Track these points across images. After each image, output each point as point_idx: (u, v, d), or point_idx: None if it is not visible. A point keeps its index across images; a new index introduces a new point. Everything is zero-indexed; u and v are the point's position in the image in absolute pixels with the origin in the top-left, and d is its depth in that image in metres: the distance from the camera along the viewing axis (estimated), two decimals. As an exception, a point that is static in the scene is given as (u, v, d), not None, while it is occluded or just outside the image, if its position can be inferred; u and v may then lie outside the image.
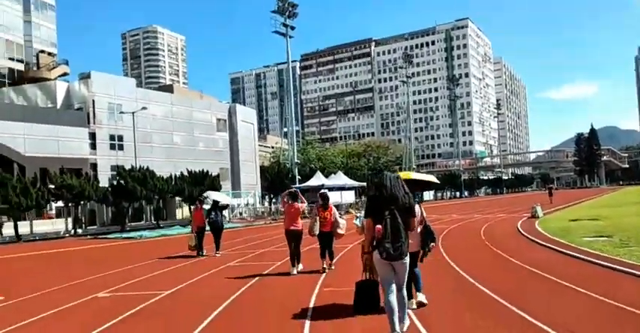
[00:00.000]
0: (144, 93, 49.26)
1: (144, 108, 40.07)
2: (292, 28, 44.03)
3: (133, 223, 30.77)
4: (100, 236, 23.64)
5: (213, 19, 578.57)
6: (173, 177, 31.09)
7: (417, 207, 5.62)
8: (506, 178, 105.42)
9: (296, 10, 46.13)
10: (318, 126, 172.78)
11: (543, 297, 6.76)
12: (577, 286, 7.27)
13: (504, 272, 9.15)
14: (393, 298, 4.78)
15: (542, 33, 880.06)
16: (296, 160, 42.63)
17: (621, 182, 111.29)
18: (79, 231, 26.22)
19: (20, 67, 54.83)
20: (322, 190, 10.86)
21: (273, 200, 42.94)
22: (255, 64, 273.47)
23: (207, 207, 15.23)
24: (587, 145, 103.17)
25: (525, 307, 6.04)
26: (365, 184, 42.19)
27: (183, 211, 35.26)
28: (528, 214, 24.47)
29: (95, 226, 28.91)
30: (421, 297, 6.23)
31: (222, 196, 16.91)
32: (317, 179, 35.30)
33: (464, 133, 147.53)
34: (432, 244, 6.11)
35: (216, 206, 14.54)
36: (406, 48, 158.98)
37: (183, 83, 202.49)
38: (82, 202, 26.44)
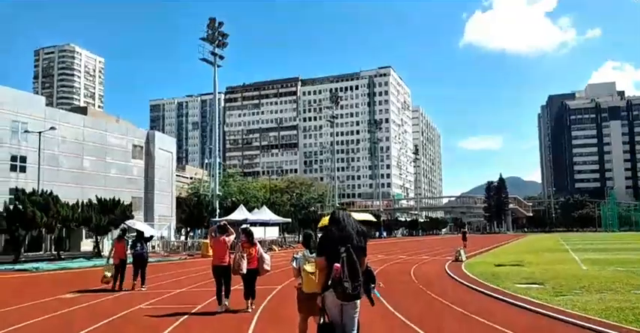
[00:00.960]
0: (53, 112, 45.52)
1: (52, 128, 36.92)
2: (221, 57, 42.95)
3: (30, 253, 27.54)
4: (-14, 268, 20.57)
5: (135, 43, 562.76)
6: (80, 204, 28.26)
7: None
8: (422, 220, 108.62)
9: (226, 40, 45.28)
10: (241, 159, 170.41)
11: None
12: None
13: (455, 323, 8.46)
14: None
15: (455, 86, 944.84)
16: (217, 192, 40.77)
17: (525, 229, 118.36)
18: (-38, 261, 22.81)
19: None
20: (244, 225, 10.46)
21: (190, 234, 40.65)
22: (177, 93, 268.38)
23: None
24: (497, 193, 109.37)
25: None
26: (289, 220, 41.30)
27: (88, 243, 32.18)
28: (451, 257, 24.58)
29: (-19, 256, 25.44)
30: None
31: (146, 227, 15.86)
32: (240, 213, 33.74)
33: (382, 176, 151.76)
34: (373, 285, 5.55)
35: (142, 237, 13.81)
36: (331, 90, 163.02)
37: (99, 107, 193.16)
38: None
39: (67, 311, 9.85)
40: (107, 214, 28.81)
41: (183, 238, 38.03)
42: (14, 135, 39.41)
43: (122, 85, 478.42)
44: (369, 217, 7.98)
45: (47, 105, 48.23)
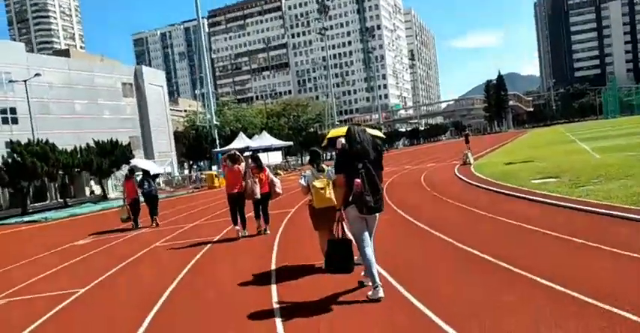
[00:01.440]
0: (36, 58, 43.76)
1: (37, 74, 35.62)
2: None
3: (36, 204, 27.54)
4: (-2, 222, 20.51)
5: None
6: (78, 149, 27.72)
7: None
8: (421, 128, 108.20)
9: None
10: (232, 86, 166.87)
11: (565, 258, 5.76)
12: (595, 242, 6.38)
13: (481, 225, 8.16)
14: (371, 251, 4.84)
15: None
16: (215, 122, 39.95)
17: (526, 125, 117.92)
18: (-30, 217, 22.76)
19: None
20: (246, 152, 10.18)
21: (193, 166, 40.45)
22: (159, 24, 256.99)
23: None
24: (496, 91, 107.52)
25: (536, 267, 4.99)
26: (291, 143, 40.81)
27: (93, 187, 32.09)
28: (458, 162, 24.37)
29: (-12, 210, 25.43)
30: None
31: (150, 165, 15.82)
32: (240, 141, 33.16)
33: (379, 87, 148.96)
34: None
35: (147, 175, 13.96)
36: (318, 1, 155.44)
37: (81, 48, 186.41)
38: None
39: (87, 256, 9.68)
40: (107, 156, 28.37)
41: (187, 171, 37.86)
42: (0, 87, 38.12)
43: (101, 21, 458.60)
44: (379, 133, 7.49)
45: (28, 51, 46.25)
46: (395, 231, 8.37)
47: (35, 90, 39.25)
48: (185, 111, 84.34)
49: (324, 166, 6.27)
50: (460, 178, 16.11)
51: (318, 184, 5.96)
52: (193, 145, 35.30)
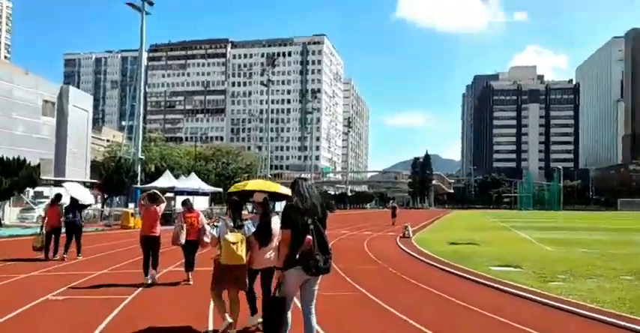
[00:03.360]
0: (-53, 56, 39.52)
1: None
2: (150, 3, 38.05)
3: None
4: None
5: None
6: (-26, 162, 24.02)
7: (276, 217, 5.51)
8: (349, 194, 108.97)
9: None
10: (162, 123, 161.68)
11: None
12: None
13: (461, 320, 6.79)
14: (289, 316, 4.63)
15: (385, 61, 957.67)
16: (140, 156, 37.05)
17: (446, 206, 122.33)
18: None
19: None
20: (168, 193, 10.93)
21: (107, 201, 36.91)
22: (95, 48, 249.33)
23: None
24: (421, 170, 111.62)
25: None
26: (220, 189, 38.42)
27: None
28: (394, 233, 23.50)
29: None
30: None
31: (83, 193, 14.43)
32: (166, 180, 30.57)
33: (311, 148, 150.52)
34: None
35: (76, 204, 13.06)
36: (263, 54, 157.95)
37: (5, 57, 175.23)
38: None
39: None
40: (10, 176, 24.80)
41: (99, 206, 34.31)
42: None
43: (33, 35, 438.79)
44: (289, 191, 6.21)
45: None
46: (361, 313, 6.80)
47: (-60, 92, 35.22)
48: (108, 141, 79.66)
49: (243, 221, 5.74)
50: (407, 253, 14.96)
51: (231, 237, 5.44)
52: (112, 177, 32.13)
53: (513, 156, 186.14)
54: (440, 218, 48.32)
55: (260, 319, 5.62)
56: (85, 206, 14.27)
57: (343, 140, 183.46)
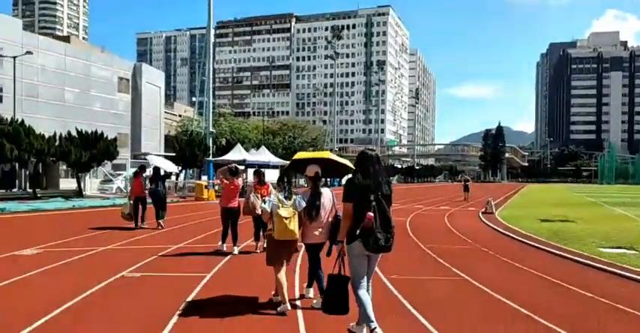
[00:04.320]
0: (32, 37, 41.44)
1: (29, 52, 33.50)
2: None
3: (2, 190, 24.60)
4: (-55, 206, 17.49)
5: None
6: (58, 137, 24.87)
7: (328, 192, 5.55)
8: (416, 167, 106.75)
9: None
10: (231, 99, 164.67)
11: None
12: None
13: (593, 313, 5.73)
14: (365, 293, 4.45)
15: (452, 31, 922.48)
16: (211, 130, 37.39)
17: (520, 179, 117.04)
18: None
19: None
20: (241, 166, 10.43)
21: (181, 173, 37.73)
22: (165, 27, 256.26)
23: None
24: (493, 142, 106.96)
25: None
26: (288, 162, 38.18)
27: (69, 181, 29.09)
28: (475, 208, 22.20)
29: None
30: (311, 293, 5.88)
31: (166, 163, 14.29)
32: (237, 153, 30.62)
33: (376, 121, 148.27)
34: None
35: (158, 174, 13.49)
36: (327, 28, 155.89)
37: (83, 38, 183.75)
38: None
39: (17, 280, 6.97)
40: (89, 150, 25.56)
41: (174, 178, 35.09)
42: (-13, 61, 35.65)
43: (108, 16, 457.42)
44: (347, 162, 6.56)
45: (25, 30, 43.83)
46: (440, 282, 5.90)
47: (26, 70, 37.11)
48: (180, 116, 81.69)
49: (294, 192, 5.65)
50: (497, 230, 13.78)
51: (283, 212, 5.38)
52: (185, 150, 32.60)
53: (592, 127, 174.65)
54: (518, 192, 45.86)
55: (311, 294, 5.84)
56: (168, 176, 14.71)
57: (409, 113, 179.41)
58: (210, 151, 35.06)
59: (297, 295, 6.06)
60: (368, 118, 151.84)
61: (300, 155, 6.24)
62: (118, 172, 33.62)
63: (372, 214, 4.19)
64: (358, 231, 4.25)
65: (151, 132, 50.07)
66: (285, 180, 5.77)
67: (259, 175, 8.92)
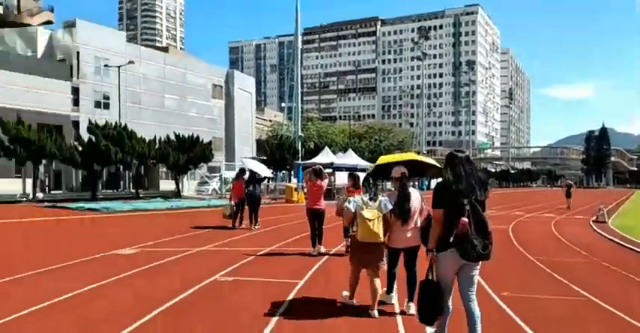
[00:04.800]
0: (134, 49, 44.43)
1: (131, 62, 35.86)
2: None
3: (108, 191, 26.30)
4: (59, 205, 18.91)
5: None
6: (157, 140, 26.21)
7: (417, 193, 5.41)
8: (511, 171, 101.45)
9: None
10: (317, 103, 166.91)
11: None
12: None
13: None
14: (449, 303, 4.15)
15: (546, 30, 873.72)
16: (300, 134, 37.83)
17: (628, 185, 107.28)
18: (40, 195, 21.50)
19: (-1, 10, 49.50)
20: (327, 169, 10.26)
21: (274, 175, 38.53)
22: (255, 35, 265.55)
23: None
24: (597, 144, 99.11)
25: None
26: (374, 165, 37.66)
27: (168, 182, 30.56)
28: (583, 216, 20.32)
29: (61, 191, 24.30)
30: (413, 308, 5.17)
31: (260, 167, 15.39)
32: (325, 156, 30.67)
33: (466, 123, 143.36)
34: None
35: (254, 178, 13.97)
36: (413, 30, 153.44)
37: (180, 48, 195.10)
38: (43, 162, 21.72)
39: (115, 280, 7.08)
40: (186, 153, 26.70)
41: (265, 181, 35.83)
42: (97, 71, 38.69)
43: (202, 27, 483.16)
44: (434, 162, 6.62)
45: (128, 42, 47.09)
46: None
47: (130, 79, 39.66)
48: (270, 121, 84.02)
49: (380, 194, 5.52)
50: (616, 242, 12.33)
51: (367, 214, 5.25)
52: (275, 154, 33.21)
53: None
54: (629, 199, 41.90)
55: (394, 300, 5.65)
56: (262, 179, 15.22)
57: (502, 114, 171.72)
58: (299, 155, 35.39)
59: (397, 307, 5.65)
60: (457, 120, 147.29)
61: (384, 160, 5.96)
62: (213, 175, 34.89)
63: (466, 219, 3.88)
64: (452, 239, 3.94)
65: (243, 136, 51.70)
66: (370, 182, 5.67)
67: (354, 178, 8.51)
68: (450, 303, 4.17)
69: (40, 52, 38.78)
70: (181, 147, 26.65)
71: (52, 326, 4.76)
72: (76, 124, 35.59)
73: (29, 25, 47.28)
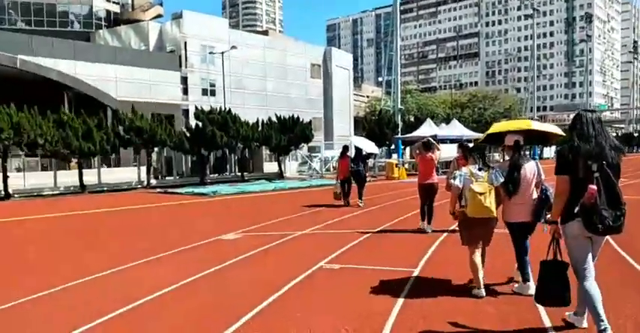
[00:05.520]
0: (236, 34, 46.04)
1: (234, 47, 37.08)
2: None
3: (215, 175, 27.71)
4: (170, 190, 20.23)
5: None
6: (260, 123, 27.05)
7: (532, 164, 5.03)
8: (636, 134, 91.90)
9: None
10: (416, 74, 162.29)
11: None
12: None
13: None
14: (594, 284, 3.73)
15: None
16: (400, 106, 36.96)
17: None
18: (154, 182, 23.19)
19: (116, 8, 53.80)
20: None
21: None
22: (352, 10, 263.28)
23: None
24: None
25: None
26: (482, 135, 35.89)
27: (272, 164, 31.51)
28: None
29: (172, 177, 26.01)
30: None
31: (368, 144, 15.02)
32: (427, 128, 29.72)
33: (581, 84, 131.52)
34: (547, 213, 4.53)
35: (360, 155, 14.05)
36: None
37: (279, 31, 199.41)
38: (155, 149, 23.31)
39: (213, 272, 7.23)
40: (287, 134, 27.30)
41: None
42: (203, 59, 40.63)
43: (300, 8, 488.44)
44: (555, 129, 5.69)
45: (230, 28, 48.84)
46: None
47: (233, 65, 41.15)
48: (367, 97, 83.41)
49: (490, 166, 5.17)
50: None
51: (477, 187, 4.90)
52: (374, 129, 32.84)
53: None
54: None
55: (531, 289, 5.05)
56: (368, 156, 15.60)
57: (622, 71, 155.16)
58: (399, 129, 34.67)
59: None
60: (571, 82, 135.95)
61: (497, 128, 5.53)
62: (313, 155, 35.39)
63: (594, 187, 3.53)
64: (577, 209, 3.61)
65: (341, 114, 51.77)
66: (479, 152, 5.33)
67: (464, 149, 8.12)
68: (592, 284, 3.75)
69: (151, 46, 41.33)
70: (282, 128, 27.30)
71: (168, 315, 4.95)
72: (186, 113, 37.81)
73: (142, 20, 50.98)
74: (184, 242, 8.56)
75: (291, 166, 31.65)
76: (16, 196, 18.55)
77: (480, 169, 5.08)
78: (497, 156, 33.72)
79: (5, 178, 17.81)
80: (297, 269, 6.38)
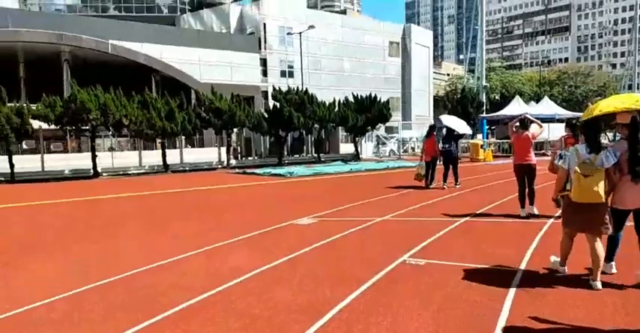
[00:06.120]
0: (314, 14, 45.79)
1: (311, 27, 36.68)
2: None
3: (294, 156, 27.80)
4: (248, 171, 20.40)
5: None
6: (336, 103, 26.56)
7: None
8: None
9: None
10: (500, 51, 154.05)
11: None
12: None
13: None
14: None
15: None
16: (484, 83, 34.99)
17: None
18: (233, 162, 23.54)
19: (200, -9, 55.17)
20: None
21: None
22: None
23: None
24: None
25: None
26: (580, 114, 33.27)
27: (348, 146, 31.04)
28: None
29: (251, 158, 26.33)
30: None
31: (459, 124, 14.26)
32: (515, 106, 27.88)
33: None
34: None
35: (452, 135, 13.35)
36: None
37: (357, 11, 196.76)
38: (235, 130, 23.58)
39: (285, 261, 6.75)
40: (364, 113, 26.63)
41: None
42: (282, 41, 40.76)
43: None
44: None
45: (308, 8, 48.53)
46: None
47: (310, 45, 40.97)
48: (448, 75, 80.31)
49: (603, 145, 4.60)
50: None
51: (583, 169, 4.43)
52: (456, 108, 31.32)
53: None
54: None
55: (614, 269, 4.94)
56: (460, 136, 14.49)
57: None
58: (484, 107, 32.86)
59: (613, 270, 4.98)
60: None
61: (602, 108, 4.68)
62: (390, 135, 34.53)
63: None
64: None
65: (420, 94, 50.23)
66: (593, 131, 4.75)
67: (572, 128, 7.30)
68: None
69: (232, 28, 41.96)
70: (359, 108, 26.63)
71: (241, 307, 4.65)
72: (265, 95, 38.19)
73: (223, 3, 51.93)
74: (257, 226, 8.18)
75: (367, 148, 31.05)
76: (104, 174, 19.56)
77: (589, 152, 4.57)
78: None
79: (94, 157, 18.71)
80: (375, 264, 5.64)
